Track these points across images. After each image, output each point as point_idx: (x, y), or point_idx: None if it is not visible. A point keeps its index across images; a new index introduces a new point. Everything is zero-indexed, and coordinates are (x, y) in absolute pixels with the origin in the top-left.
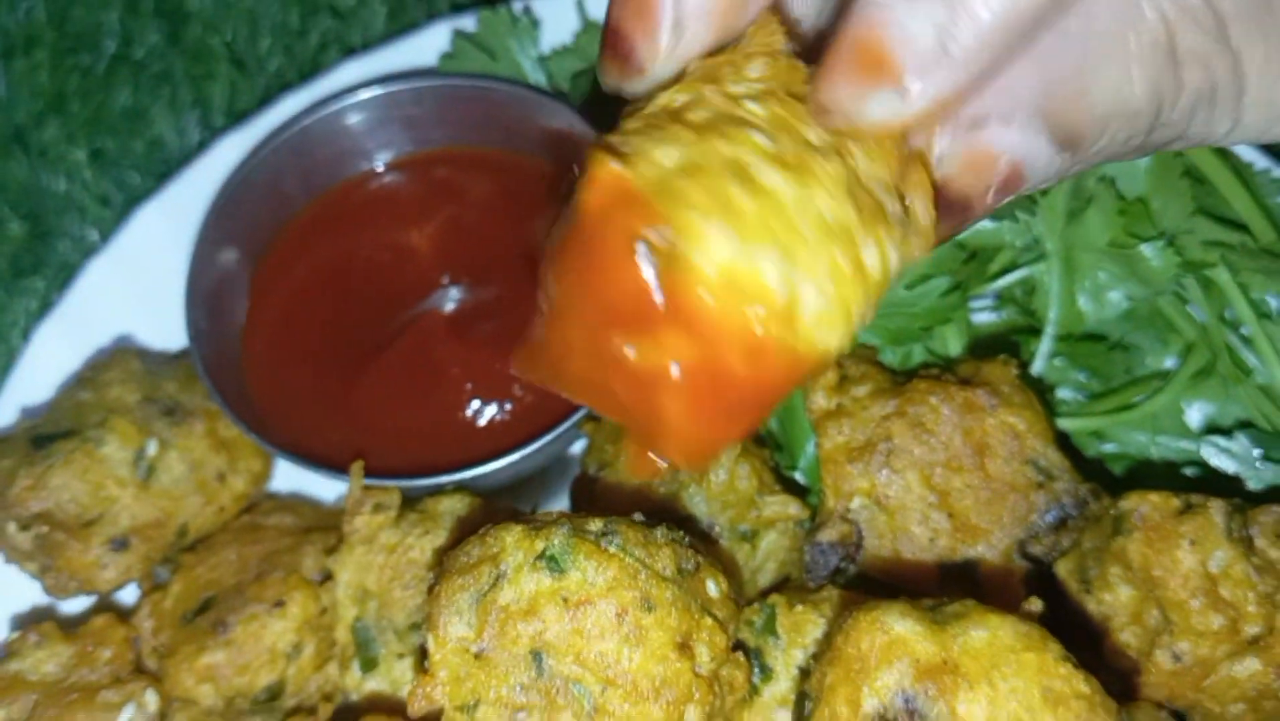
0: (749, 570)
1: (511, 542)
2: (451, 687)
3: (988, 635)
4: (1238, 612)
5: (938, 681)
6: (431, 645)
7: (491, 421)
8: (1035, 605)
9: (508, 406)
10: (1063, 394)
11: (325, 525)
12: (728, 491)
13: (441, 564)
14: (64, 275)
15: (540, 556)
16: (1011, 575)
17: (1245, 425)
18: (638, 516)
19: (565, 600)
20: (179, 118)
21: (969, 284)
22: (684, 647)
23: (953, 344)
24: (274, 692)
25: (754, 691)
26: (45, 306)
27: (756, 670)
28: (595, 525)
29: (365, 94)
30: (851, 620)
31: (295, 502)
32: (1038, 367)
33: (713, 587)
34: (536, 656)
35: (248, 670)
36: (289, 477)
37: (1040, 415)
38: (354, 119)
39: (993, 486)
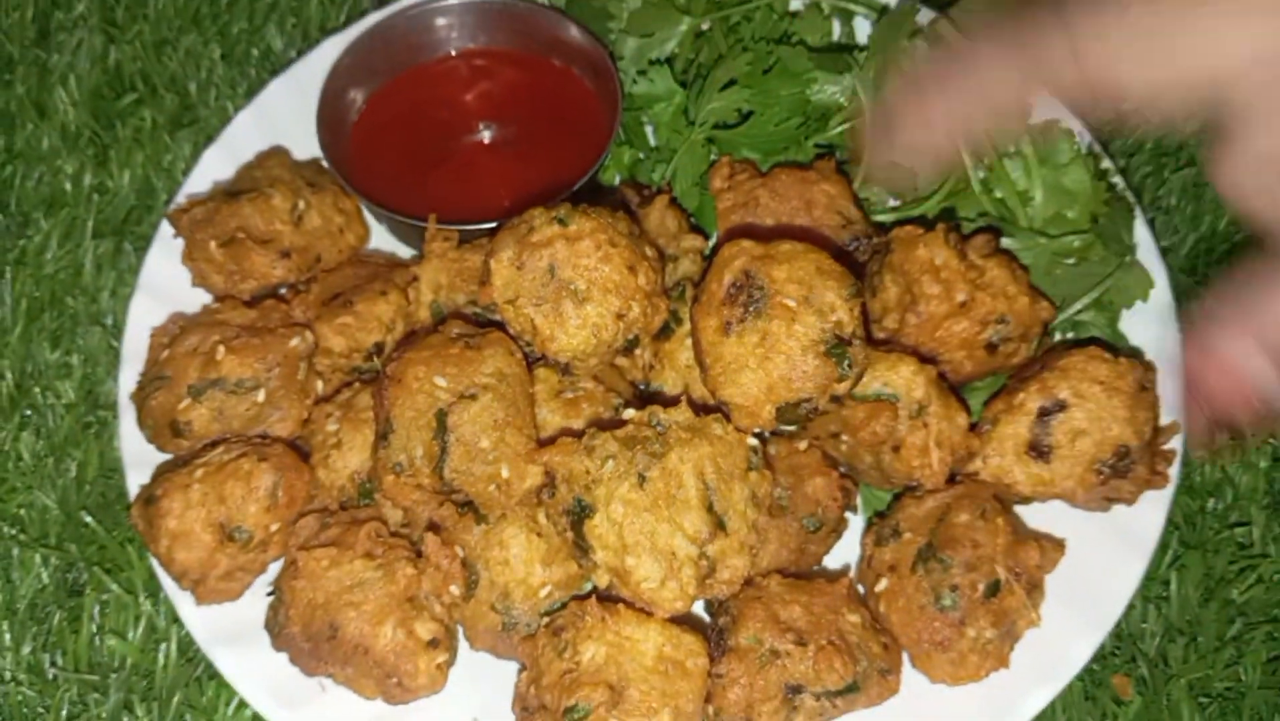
0: (672, 278)
1: (538, 212)
2: (500, 289)
3: (790, 246)
4: (950, 285)
5: (763, 261)
6: (492, 265)
7: (515, 202)
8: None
9: (525, 194)
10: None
11: (406, 265)
12: (660, 226)
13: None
14: (207, 132)
15: (554, 217)
16: None
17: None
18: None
19: (567, 238)
20: (284, 33)
21: (815, 126)
22: (632, 269)
23: (802, 156)
24: (379, 348)
25: (671, 331)
26: (195, 151)
27: (674, 319)
28: (584, 208)
29: (432, 5)
30: (719, 250)
31: (386, 254)
32: (859, 181)
33: (649, 250)
34: (550, 268)
35: (364, 329)
36: (380, 246)
37: (847, 188)
38: (426, 20)
39: (816, 224)
